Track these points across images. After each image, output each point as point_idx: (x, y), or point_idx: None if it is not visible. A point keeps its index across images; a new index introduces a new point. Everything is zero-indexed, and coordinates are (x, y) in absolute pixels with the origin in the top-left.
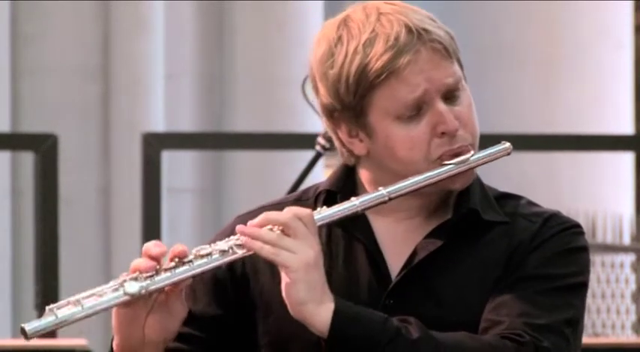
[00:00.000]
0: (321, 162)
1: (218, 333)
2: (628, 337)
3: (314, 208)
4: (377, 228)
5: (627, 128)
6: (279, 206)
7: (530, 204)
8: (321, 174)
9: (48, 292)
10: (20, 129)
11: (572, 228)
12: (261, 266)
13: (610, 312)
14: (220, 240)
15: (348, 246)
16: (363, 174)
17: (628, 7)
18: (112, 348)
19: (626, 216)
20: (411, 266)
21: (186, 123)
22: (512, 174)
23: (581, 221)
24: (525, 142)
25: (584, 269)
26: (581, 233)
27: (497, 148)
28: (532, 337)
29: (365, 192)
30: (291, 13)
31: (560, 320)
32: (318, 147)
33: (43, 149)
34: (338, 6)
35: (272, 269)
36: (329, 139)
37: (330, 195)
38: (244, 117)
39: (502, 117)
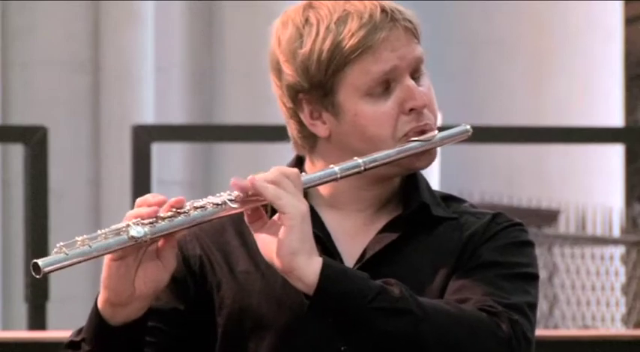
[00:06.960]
0: None
1: (181, 327)
2: (617, 329)
3: None
4: (328, 221)
5: (617, 120)
6: None
7: (473, 207)
8: None
9: (38, 284)
10: (10, 121)
11: (519, 225)
12: (219, 260)
13: (600, 304)
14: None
15: None
16: (317, 165)
17: None
18: (96, 306)
19: (615, 209)
20: (366, 259)
21: (176, 115)
22: (501, 167)
23: (571, 213)
24: (515, 134)
25: (535, 263)
26: (527, 231)
27: (459, 129)
28: (503, 310)
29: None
30: (280, 6)
31: (523, 302)
32: None
33: (33, 141)
34: None
35: (229, 265)
36: None
37: None
38: (234, 109)
39: (492, 109)
